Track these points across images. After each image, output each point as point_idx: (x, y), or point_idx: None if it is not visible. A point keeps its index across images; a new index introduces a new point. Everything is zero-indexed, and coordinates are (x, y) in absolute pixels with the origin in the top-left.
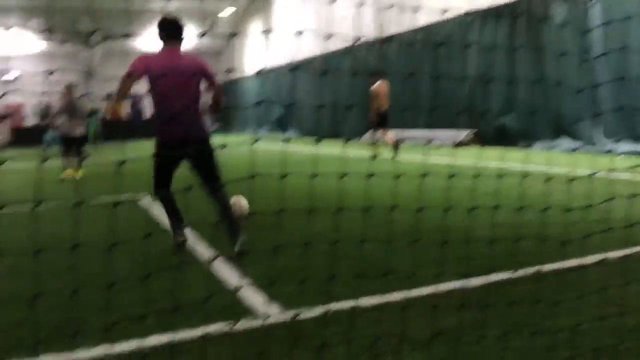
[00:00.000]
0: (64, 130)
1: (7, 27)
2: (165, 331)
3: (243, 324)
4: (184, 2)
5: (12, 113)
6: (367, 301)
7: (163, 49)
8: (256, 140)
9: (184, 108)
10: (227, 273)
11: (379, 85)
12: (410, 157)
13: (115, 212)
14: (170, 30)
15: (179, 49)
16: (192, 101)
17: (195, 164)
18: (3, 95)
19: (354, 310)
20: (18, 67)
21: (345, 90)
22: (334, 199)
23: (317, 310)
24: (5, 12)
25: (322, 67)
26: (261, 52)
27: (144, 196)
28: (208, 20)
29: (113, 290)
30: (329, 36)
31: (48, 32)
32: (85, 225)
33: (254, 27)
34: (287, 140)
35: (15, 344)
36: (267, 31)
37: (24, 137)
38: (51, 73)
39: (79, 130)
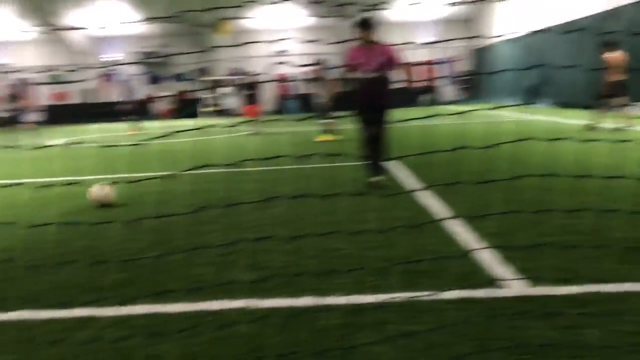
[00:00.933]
0: (315, 99)
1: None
2: (406, 289)
3: (486, 292)
4: None
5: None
6: (632, 286)
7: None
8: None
9: None
10: (470, 239)
11: (614, 56)
12: None
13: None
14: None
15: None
16: None
17: None
18: (276, 64)
19: (613, 293)
20: (286, 40)
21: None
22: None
23: (569, 289)
24: None
25: (582, 31)
26: (514, 16)
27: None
28: None
29: (361, 247)
30: None
31: (313, 5)
32: (339, 182)
33: None
34: (543, 109)
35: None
36: None
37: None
38: (333, 44)
39: (324, 99)
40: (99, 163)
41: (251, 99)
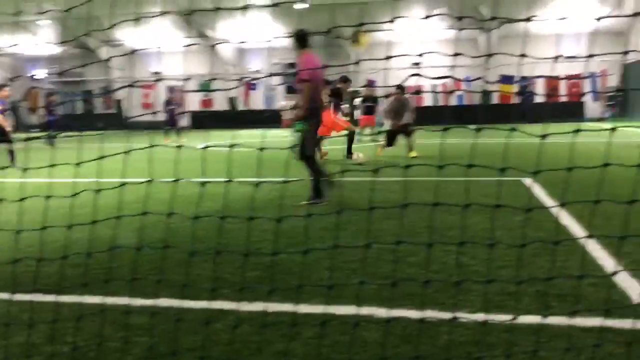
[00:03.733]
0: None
1: (419, 17)
2: (538, 311)
3: (627, 323)
4: None
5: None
6: None
7: (309, 52)
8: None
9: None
10: (611, 264)
11: None
12: None
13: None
14: (306, 38)
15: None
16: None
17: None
18: (410, 76)
19: None
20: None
21: None
22: None
23: None
24: (415, 3)
25: None
26: None
27: (526, 176)
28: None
29: (492, 266)
30: None
31: (452, 18)
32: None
33: None
34: None
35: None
36: None
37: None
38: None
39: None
40: (242, 165)
41: (368, 110)
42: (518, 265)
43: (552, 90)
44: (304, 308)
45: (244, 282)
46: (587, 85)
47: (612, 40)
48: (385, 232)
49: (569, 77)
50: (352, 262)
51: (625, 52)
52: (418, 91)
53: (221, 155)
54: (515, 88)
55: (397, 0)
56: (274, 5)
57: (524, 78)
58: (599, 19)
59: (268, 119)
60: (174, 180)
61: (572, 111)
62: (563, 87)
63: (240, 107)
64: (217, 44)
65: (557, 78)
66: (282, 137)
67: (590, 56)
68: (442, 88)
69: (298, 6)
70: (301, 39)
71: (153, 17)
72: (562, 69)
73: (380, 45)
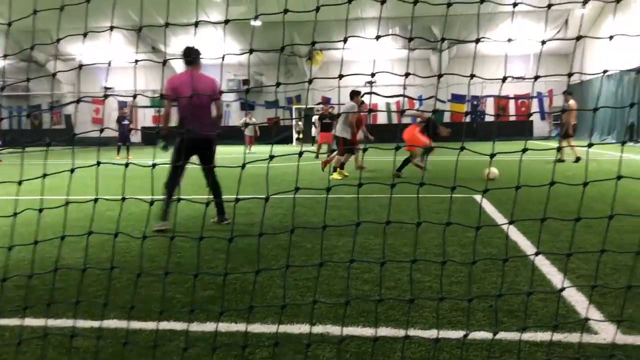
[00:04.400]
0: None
1: (375, 37)
2: (490, 327)
3: (575, 337)
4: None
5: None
6: None
7: (185, 71)
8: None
9: (200, 116)
10: (559, 280)
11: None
12: None
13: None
14: (187, 56)
15: (197, 70)
16: (206, 111)
17: (202, 157)
18: (364, 94)
19: None
20: (376, 72)
21: None
22: None
23: None
24: (369, 23)
25: None
26: (617, 52)
27: (477, 194)
28: (559, 21)
29: (445, 282)
30: None
31: (405, 39)
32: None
33: (608, 27)
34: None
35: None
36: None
37: None
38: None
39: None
40: (195, 183)
41: (326, 127)
42: (470, 282)
43: (501, 110)
44: (257, 328)
45: (195, 303)
46: (534, 105)
47: (558, 61)
48: (339, 249)
49: (517, 97)
50: (306, 280)
51: (570, 74)
52: (371, 109)
53: None
54: (466, 107)
55: (352, 20)
56: (226, 22)
57: (474, 97)
58: (544, 42)
59: (220, 135)
60: (122, 198)
61: (520, 130)
62: (512, 107)
63: None
64: (169, 59)
65: (506, 97)
66: (238, 154)
67: (537, 77)
68: (396, 106)
69: (254, 23)
70: (184, 56)
71: (103, 31)
72: (511, 89)
73: (335, 63)
